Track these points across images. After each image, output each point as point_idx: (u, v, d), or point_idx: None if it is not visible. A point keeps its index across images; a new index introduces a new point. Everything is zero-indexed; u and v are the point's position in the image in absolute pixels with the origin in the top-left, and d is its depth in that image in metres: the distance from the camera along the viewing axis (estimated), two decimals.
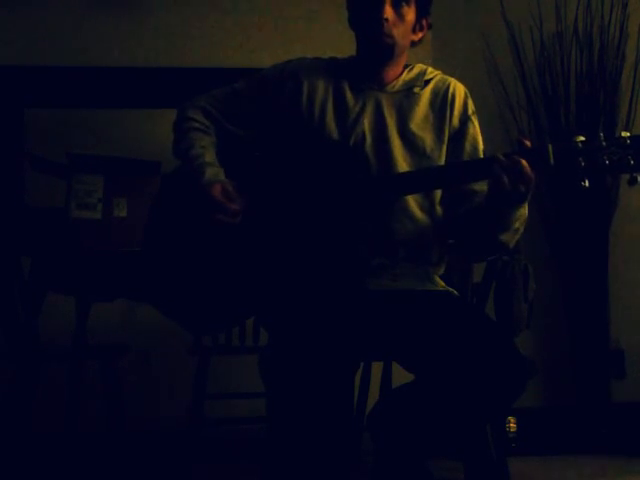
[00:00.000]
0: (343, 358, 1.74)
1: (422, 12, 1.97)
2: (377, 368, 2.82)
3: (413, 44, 2.00)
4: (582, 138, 1.68)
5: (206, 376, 2.87)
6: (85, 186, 2.73)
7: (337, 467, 1.73)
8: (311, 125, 1.96)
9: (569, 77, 3.44)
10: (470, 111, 2.01)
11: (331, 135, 1.95)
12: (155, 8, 3.61)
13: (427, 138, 1.96)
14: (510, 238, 1.86)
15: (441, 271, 2.02)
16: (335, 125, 1.96)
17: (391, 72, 2.00)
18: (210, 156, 1.98)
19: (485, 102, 2.67)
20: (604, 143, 1.67)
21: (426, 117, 1.98)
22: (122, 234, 2.69)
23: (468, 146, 1.98)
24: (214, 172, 1.94)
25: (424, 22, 1.99)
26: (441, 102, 1.99)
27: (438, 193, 1.97)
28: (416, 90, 2.00)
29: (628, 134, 1.67)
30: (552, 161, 1.69)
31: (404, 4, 1.92)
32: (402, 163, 1.93)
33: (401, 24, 1.93)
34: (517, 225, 1.84)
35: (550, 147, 1.69)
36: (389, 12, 1.90)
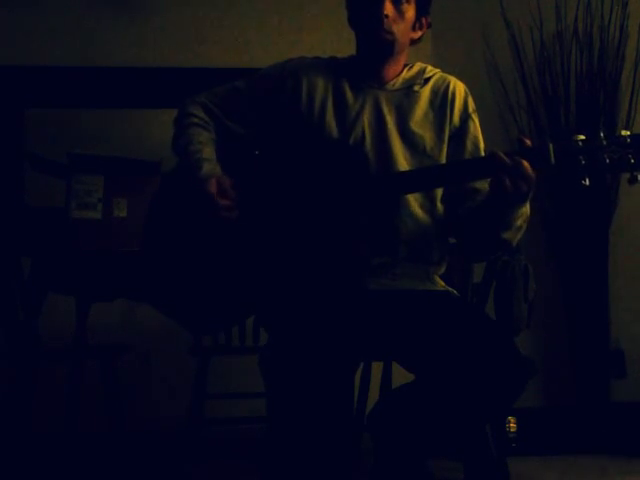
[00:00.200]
0: (343, 358, 1.74)
1: (422, 10, 1.97)
2: (377, 368, 2.82)
3: (413, 42, 2.01)
4: (582, 137, 1.68)
5: (206, 376, 2.87)
6: (85, 186, 2.73)
7: (337, 467, 1.73)
8: (311, 123, 1.96)
9: (569, 77, 3.44)
10: (471, 109, 2.01)
11: (331, 133, 1.94)
12: (155, 8, 3.61)
13: (427, 136, 1.96)
14: (512, 236, 1.86)
15: (442, 271, 2.02)
16: (335, 123, 1.95)
17: (391, 70, 2.00)
18: (208, 152, 1.98)
19: (485, 102, 2.67)
20: (604, 142, 1.67)
21: (426, 115, 1.98)
22: (122, 234, 2.69)
23: (469, 144, 1.98)
24: (211, 167, 1.94)
25: (424, 20, 1.99)
26: (441, 100, 1.99)
27: (439, 191, 1.97)
28: (416, 88, 2.00)
29: (628, 133, 1.67)
30: (553, 160, 1.69)
31: (404, 1, 1.92)
32: (402, 161, 1.93)
33: (401, 21, 1.93)
34: (519, 223, 1.84)
35: (551, 146, 1.69)
36: (389, 8, 1.90)
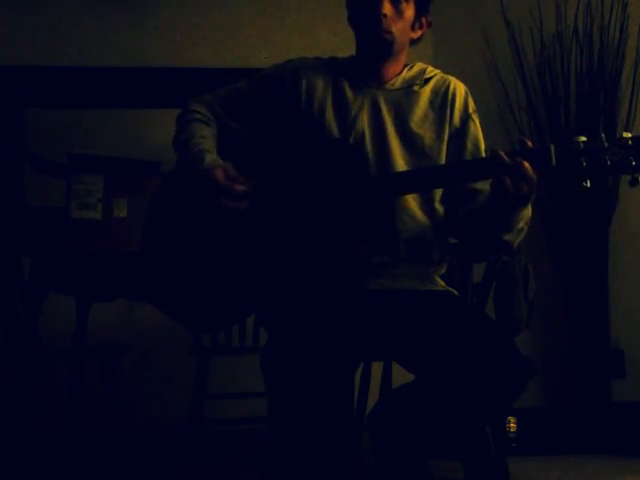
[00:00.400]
0: (343, 358, 1.74)
1: (421, 10, 1.97)
2: (377, 368, 2.82)
3: (412, 42, 2.01)
4: (584, 139, 1.68)
5: (206, 376, 2.87)
6: (85, 186, 2.73)
7: (337, 467, 1.73)
8: (310, 123, 1.96)
9: (569, 77, 3.44)
10: (471, 109, 2.01)
11: (331, 133, 1.95)
12: (155, 8, 3.61)
13: (426, 136, 1.96)
14: (514, 238, 1.86)
15: (442, 271, 2.02)
16: (335, 123, 1.96)
17: (390, 70, 2.00)
18: (210, 145, 1.97)
19: (485, 102, 2.67)
20: (606, 144, 1.67)
21: (425, 115, 1.98)
22: (122, 234, 2.69)
23: (469, 144, 1.98)
24: (213, 158, 1.93)
25: (423, 20, 1.99)
26: (441, 101, 1.99)
27: (438, 192, 1.97)
28: (416, 88, 2.00)
29: (630, 135, 1.67)
30: (554, 161, 1.69)
31: (403, 0, 1.92)
32: (401, 161, 1.93)
33: (400, 20, 1.93)
34: (521, 225, 1.84)
35: (552, 147, 1.69)
36: (388, 8, 1.91)
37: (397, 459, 1.80)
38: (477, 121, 2.01)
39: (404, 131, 1.96)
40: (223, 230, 1.92)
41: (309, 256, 1.86)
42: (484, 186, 1.88)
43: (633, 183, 1.67)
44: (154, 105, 3.51)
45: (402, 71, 2.02)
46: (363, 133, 1.94)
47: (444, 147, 1.97)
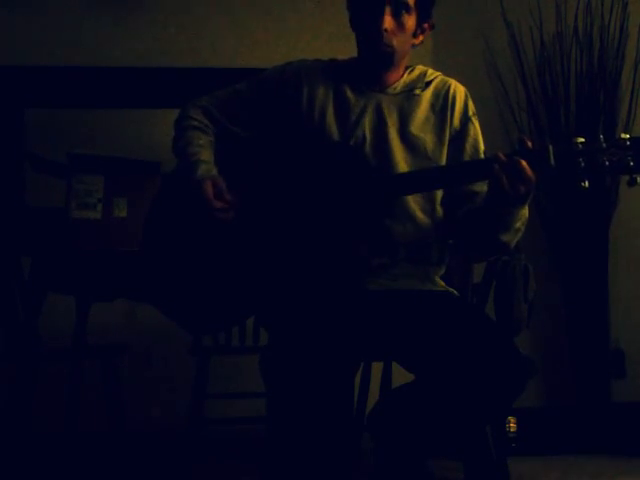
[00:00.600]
0: (343, 358, 1.74)
1: (423, 17, 1.95)
2: (377, 368, 2.82)
3: (414, 46, 2.00)
4: (582, 139, 1.68)
5: (206, 376, 2.86)
6: (85, 186, 2.73)
7: (337, 467, 1.73)
8: (311, 126, 1.96)
9: (569, 77, 3.44)
10: (471, 112, 2.01)
11: (332, 136, 1.94)
12: (155, 8, 3.61)
13: (428, 140, 1.96)
14: (511, 238, 1.86)
15: (441, 271, 2.02)
16: (336, 126, 1.95)
17: (392, 75, 1.99)
18: (206, 154, 1.99)
19: (485, 102, 2.67)
20: (604, 144, 1.67)
21: (427, 119, 1.97)
22: (122, 234, 2.69)
23: (469, 147, 1.98)
24: (207, 169, 1.95)
25: (426, 25, 1.98)
26: (442, 104, 1.99)
27: (439, 194, 1.97)
28: (417, 92, 1.99)
29: (628, 136, 1.68)
30: (552, 162, 1.69)
31: (404, 12, 1.90)
32: (402, 164, 1.93)
33: (401, 33, 1.92)
34: (518, 225, 1.84)
35: (551, 148, 1.69)
36: (389, 22, 1.89)
37: (397, 459, 1.80)
38: (477, 124, 2.01)
39: (406, 135, 1.95)
40: (223, 231, 1.93)
41: (309, 257, 1.86)
42: (482, 187, 1.88)
43: (631, 183, 1.68)
44: (154, 105, 3.51)
45: (403, 75, 2.01)
46: (364, 136, 1.94)
47: (445, 150, 1.97)
